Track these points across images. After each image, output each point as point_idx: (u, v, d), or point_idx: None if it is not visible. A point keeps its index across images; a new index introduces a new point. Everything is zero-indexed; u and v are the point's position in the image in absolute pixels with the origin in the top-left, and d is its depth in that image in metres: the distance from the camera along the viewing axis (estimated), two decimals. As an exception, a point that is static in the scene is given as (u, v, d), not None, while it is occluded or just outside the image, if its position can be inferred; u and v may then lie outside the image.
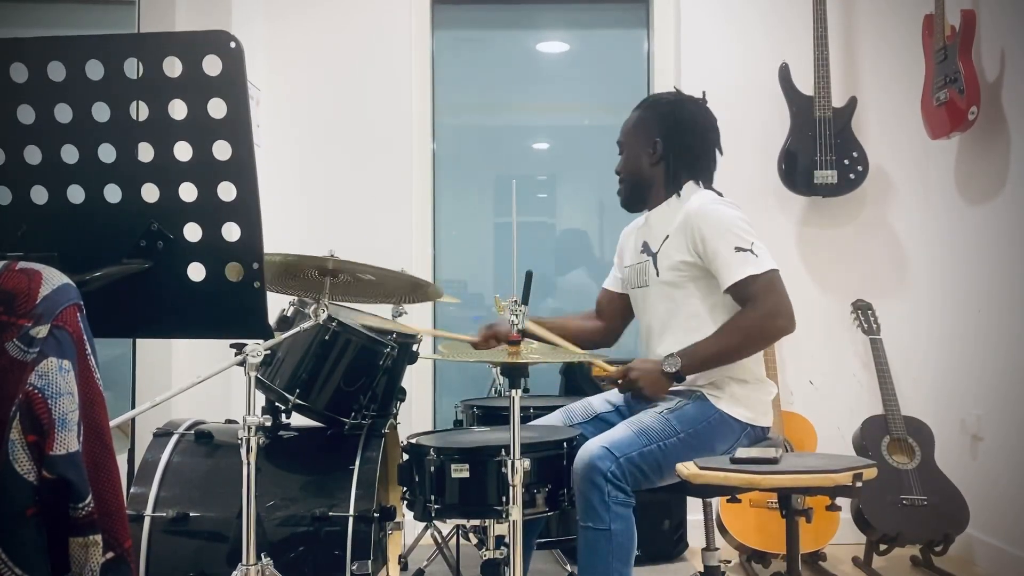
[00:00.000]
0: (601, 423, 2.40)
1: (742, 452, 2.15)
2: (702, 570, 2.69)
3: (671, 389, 2.30)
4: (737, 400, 2.29)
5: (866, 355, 3.58)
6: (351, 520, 2.23)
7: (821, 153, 3.62)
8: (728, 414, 2.28)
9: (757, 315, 2.23)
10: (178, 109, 1.27)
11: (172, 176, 1.28)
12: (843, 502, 2.66)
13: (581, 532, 2.13)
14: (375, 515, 2.25)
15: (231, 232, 1.29)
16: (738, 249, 2.23)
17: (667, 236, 2.35)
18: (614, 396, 2.54)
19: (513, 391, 2.01)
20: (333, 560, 2.21)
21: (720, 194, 2.42)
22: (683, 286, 2.33)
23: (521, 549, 1.99)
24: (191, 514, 2.26)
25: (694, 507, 3.15)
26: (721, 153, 2.47)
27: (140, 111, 1.28)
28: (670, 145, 2.41)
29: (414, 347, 2.61)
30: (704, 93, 2.48)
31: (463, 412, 3.06)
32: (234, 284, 1.29)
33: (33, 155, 1.29)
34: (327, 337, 2.38)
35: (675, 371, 2.23)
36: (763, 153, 3.72)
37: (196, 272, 1.30)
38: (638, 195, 2.47)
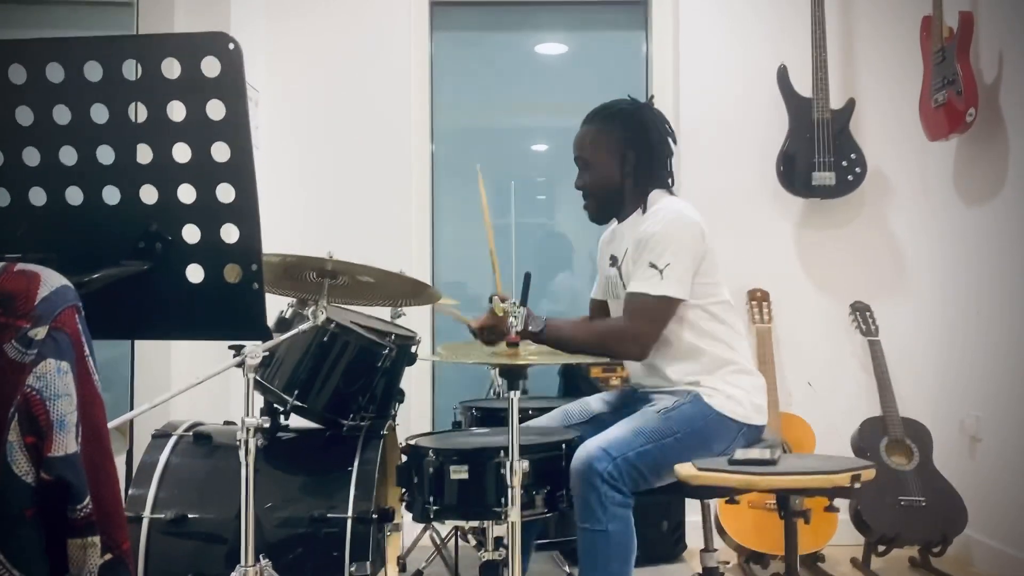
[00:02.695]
0: (599, 423, 2.40)
1: (740, 453, 2.15)
2: (700, 571, 2.68)
3: (666, 390, 2.33)
4: (732, 399, 2.30)
5: (864, 356, 3.58)
6: (350, 521, 2.23)
7: (819, 155, 3.62)
8: (724, 414, 2.28)
9: (618, 330, 2.32)
10: (177, 110, 1.27)
11: (171, 177, 1.28)
12: (841, 503, 2.66)
13: (579, 533, 2.14)
14: (374, 516, 2.25)
15: (230, 233, 1.29)
16: (651, 265, 2.26)
17: (627, 249, 2.37)
18: (611, 396, 2.54)
19: (512, 392, 2.01)
20: (332, 561, 2.21)
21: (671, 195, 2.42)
22: None
23: (520, 551, 2.00)
24: (189, 515, 2.26)
25: (692, 508, 3.15)
26: (672, 154, 2.47)
27: (139, 112, 1.28)
28: (639, 155, 2.41)
29: (413, 349, 2.61)
30: (652, 97, 2.50)
31: (462, 413, 3.06)
32: (233, 285, 1.29)
33: (32, 156, 1.29)
34: (325, 338, 2.38)
35: (531, 331, 2.22)
36: (761, 155, 3.73)
37: (195, 273, 1.30)
38: (609, 208, 2.48)
